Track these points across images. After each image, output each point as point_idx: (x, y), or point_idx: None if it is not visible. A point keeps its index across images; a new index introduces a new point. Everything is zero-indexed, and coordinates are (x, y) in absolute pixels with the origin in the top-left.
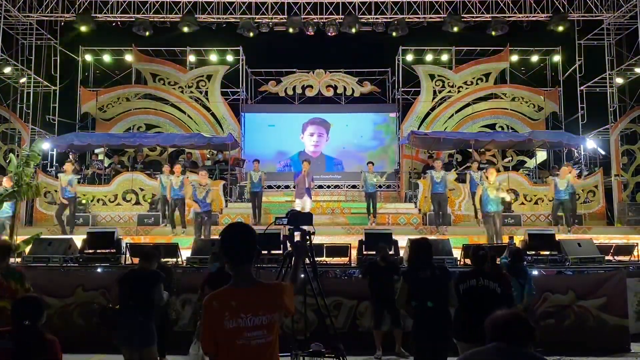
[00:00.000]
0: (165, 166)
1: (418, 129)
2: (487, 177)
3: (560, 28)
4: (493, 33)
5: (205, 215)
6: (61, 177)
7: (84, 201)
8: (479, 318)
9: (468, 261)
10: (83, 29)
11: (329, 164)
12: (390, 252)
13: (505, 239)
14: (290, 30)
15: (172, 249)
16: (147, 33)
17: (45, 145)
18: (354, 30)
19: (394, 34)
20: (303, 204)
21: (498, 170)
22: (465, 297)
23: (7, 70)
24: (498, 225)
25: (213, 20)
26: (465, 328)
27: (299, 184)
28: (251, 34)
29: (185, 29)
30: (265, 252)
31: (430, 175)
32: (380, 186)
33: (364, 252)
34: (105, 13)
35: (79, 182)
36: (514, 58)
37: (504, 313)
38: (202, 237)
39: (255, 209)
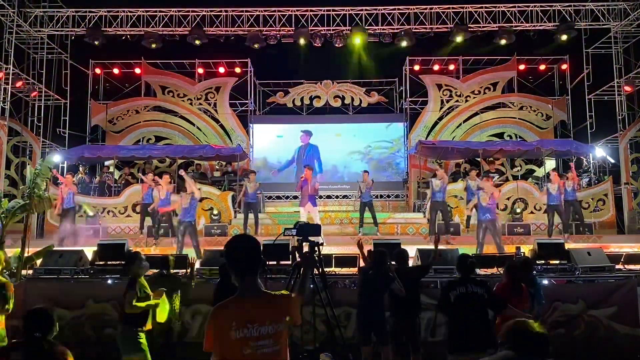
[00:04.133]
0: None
1: (426, 138)
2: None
3: (567, 37)
4: (502, 42)
5: (188, 226)
6: (62, 189)
7: (91, 212)
8: (473, 324)
9: (479, 271)
10: (93, 42)
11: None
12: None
13: (513, 249)
14: (299, 41)
15: (183, 260)
16: (156, 46)
17: (56, 158)
18: (360, 41)
19: (401, 44)
20: (307, 213)
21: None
22: (457, 304)
23: (19, 84)
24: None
25: (221, 32)
26: (460, 338)
27: (302, 192)
28: (258, 46)
29: (194, 42)
30: (274, 262)
31: (430, 184)
32: (375, 195)
33: None
34: (115, 27)
35: (88, 194)
36: (522, 67)
37: (524, 322)
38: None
39: (247, 220)
